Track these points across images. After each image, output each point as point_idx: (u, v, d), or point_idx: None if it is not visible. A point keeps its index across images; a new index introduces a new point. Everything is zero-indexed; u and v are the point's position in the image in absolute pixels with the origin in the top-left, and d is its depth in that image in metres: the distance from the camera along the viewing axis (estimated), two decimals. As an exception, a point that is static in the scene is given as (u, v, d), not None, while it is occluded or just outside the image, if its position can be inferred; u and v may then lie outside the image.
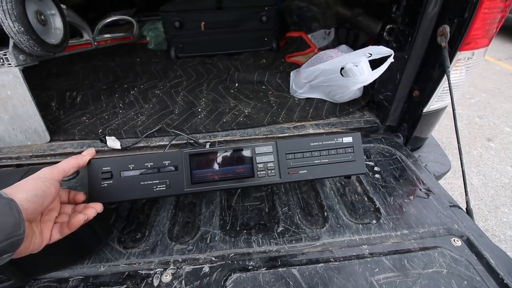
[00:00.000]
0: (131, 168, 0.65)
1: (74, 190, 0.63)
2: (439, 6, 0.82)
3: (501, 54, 4.07)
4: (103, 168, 0.64)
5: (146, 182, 0.65)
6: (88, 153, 0.63)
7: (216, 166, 0.68)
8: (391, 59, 0.94)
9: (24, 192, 0.46)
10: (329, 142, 0.70)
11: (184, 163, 0.67)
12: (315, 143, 0.70)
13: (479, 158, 2.26)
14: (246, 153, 0.69)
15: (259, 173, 0.68)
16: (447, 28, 0.81)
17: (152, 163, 0.66)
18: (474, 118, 2.73)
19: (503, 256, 0.64)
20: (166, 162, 0.66)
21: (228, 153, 0.69)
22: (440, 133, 2.49)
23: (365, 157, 0.95)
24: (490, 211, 1.83)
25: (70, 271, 0.64)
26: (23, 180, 0.49)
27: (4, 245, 0.40)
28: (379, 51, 0.98)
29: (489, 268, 0.62)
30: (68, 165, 0.57)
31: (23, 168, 0.93)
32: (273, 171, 0.68)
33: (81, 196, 0.62)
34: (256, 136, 1.05)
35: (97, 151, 1.01)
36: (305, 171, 0.69)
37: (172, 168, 0.66)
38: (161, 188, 0.65)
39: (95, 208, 0.58)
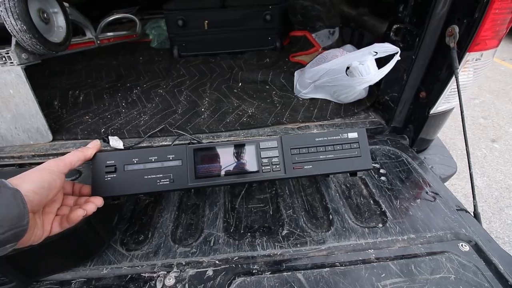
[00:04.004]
0: (135, 162, 0.64)
1: (80, 183, 0.62)
2: (448, 6, 0.81)
3: (506, 54, 4.04)
4: (107, 162, 0.63)
5: (150, 176, 0.64)
6: (94, 146, 0.62)
7: (220, 161, 0.68)
8: (397, 57, 0.93)
9: (30, 183, 0.46)
10: (334, 137, 0.69)
11: (188, 157, 0.66)
12: (320, 138, 0.69)
13: (483, 159, 2.24)
14: (251, 148, 0.69)
15: (263, 168, 0.67)
16: (456, 29, 0.79)
17: (156, 157, 0.65)
18: (479, 119, 2.71)
19: (513, 262, 0.63)
20: (171, 156, 0.66)
21: (232, 148, 0.68)
22: (444, 133, 2.47)
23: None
24: (494, 213, 1.82)
25: (73, 273, 0.64)
26: (30, 171, 0.49)
27: (8, 235, 0.39)
28: (385, 49, 0.96)
29: (498, 274, 0.61)
30: (75, 158, 0.56)
31: (25, 169, 0.92)
32: (278, 166, 0.67)
33: (87, 190, 0.62)
34: (260, 137, 1.04)
35: (100, 151, 1.01)
36: (310, 166, 0.68)
37: (177, 162, 0.66)
38: (164, 182, 0.64)
39: (95, 203, 0.57)
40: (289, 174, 0.67)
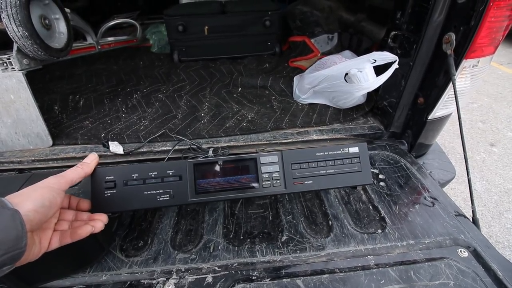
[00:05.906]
0: (134, 177, 0.64)
1: (77, 197, 0.62)
2: (444, 14, 0.82)
3: (503, 59, 4.06)
4: (107, 177, 0.63)
5: (149, 192, 0.64)
6: (92, 160, 0.62)
7: (220, 176, 0.68)
8: (395, 65, 0.94)
9: (31, 202, 0.45)
10: (335, 152, 0.69)
11: (188, 172, 0.66)
12: (321, 153, 0.69)
13: (482, 163, 2.24)
14: (251, 163, 0.69)
15: (264, 183, 0.67)
16: (453, 36, 0.80)
17: (156, 173, 0.65)
18: (477, 123, 2.72)
19: (511, 268, 0.63)
20: (170, 172, 0.65)
21: (233, 163, 0.69)
22: (442, 137, 2.48)
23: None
24: (493, 217, 1.82)
25: (72, 280, 0.64)
26: (31, 188, 0.49)
27: (4, 258, 0.39)
28: (384, 57, 0.97)
29: (497, 280, 0.61)
30: (75, 175, 0.56)
31: (25, 174, 0.92)
32: (278, 181, 0.68)
33: (86, 205, 0.61)
34: (260, 142, 1.05)
35: (100, 156, 1.00)
36: (311, 182, 0.68)
37: (177, 177, 0.66)
38: (165, 198, 0.64)
39: (102, 220, 0.57)
40: (290, 189, 0.68)
